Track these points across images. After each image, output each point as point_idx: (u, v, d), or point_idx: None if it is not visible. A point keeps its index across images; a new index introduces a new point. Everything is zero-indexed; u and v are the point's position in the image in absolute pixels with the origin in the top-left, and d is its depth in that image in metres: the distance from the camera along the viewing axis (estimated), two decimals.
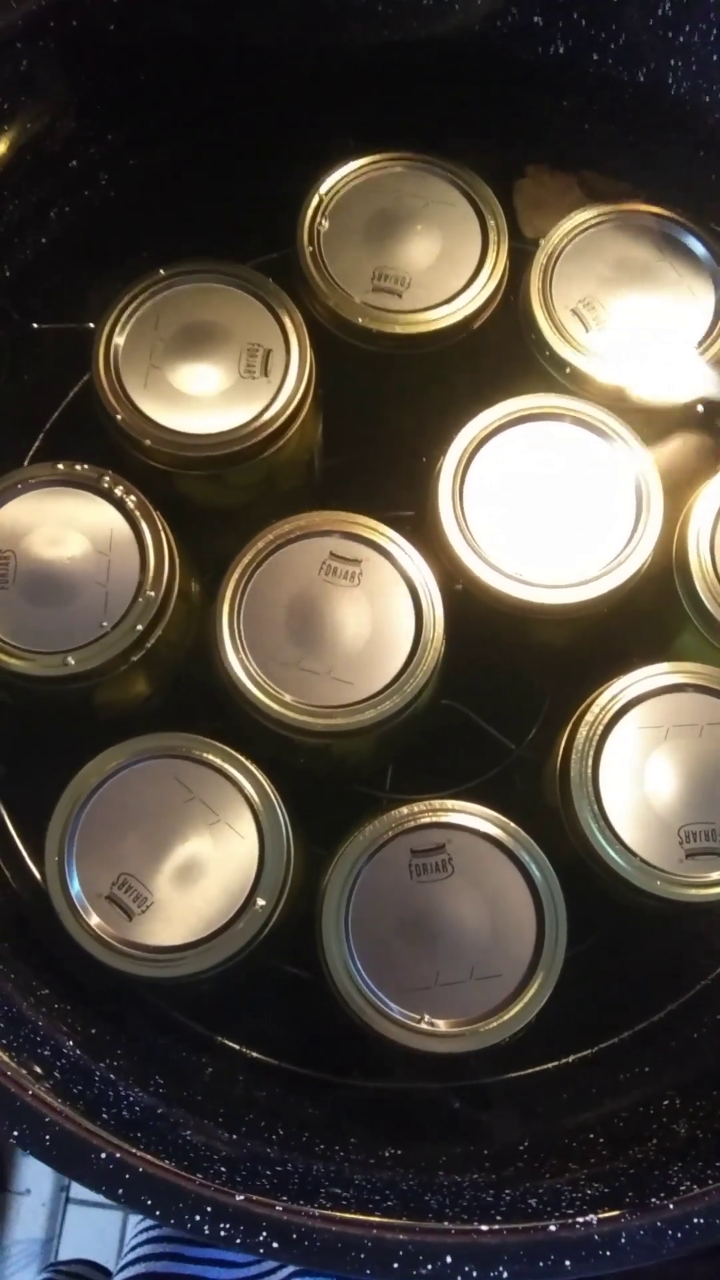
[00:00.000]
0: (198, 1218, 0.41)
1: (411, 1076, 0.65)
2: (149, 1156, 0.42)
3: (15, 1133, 0.42)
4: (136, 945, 0.59)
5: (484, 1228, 0.41)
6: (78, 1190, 1.51)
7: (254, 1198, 0.42)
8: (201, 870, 0.60)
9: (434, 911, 0.60)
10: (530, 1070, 0.66)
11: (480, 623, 0.65)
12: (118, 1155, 0.42)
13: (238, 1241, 0.41)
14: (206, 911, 0.60)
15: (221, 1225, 0.41)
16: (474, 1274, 0.40)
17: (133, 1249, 0.81)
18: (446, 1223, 0.42)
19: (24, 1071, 0.45)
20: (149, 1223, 0.82)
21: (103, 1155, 0.42)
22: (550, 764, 0.65)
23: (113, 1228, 1.46)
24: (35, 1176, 1.51)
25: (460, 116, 0.70)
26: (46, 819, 0.61)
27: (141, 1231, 0.82)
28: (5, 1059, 0.45)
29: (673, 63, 0.66)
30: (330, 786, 0.73)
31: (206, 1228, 0.41)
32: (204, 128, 0.71)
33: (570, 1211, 0.42)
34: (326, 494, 0.76)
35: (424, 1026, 0.58)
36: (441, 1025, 0.58)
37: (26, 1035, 0.51)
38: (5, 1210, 1.54)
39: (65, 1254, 1.49)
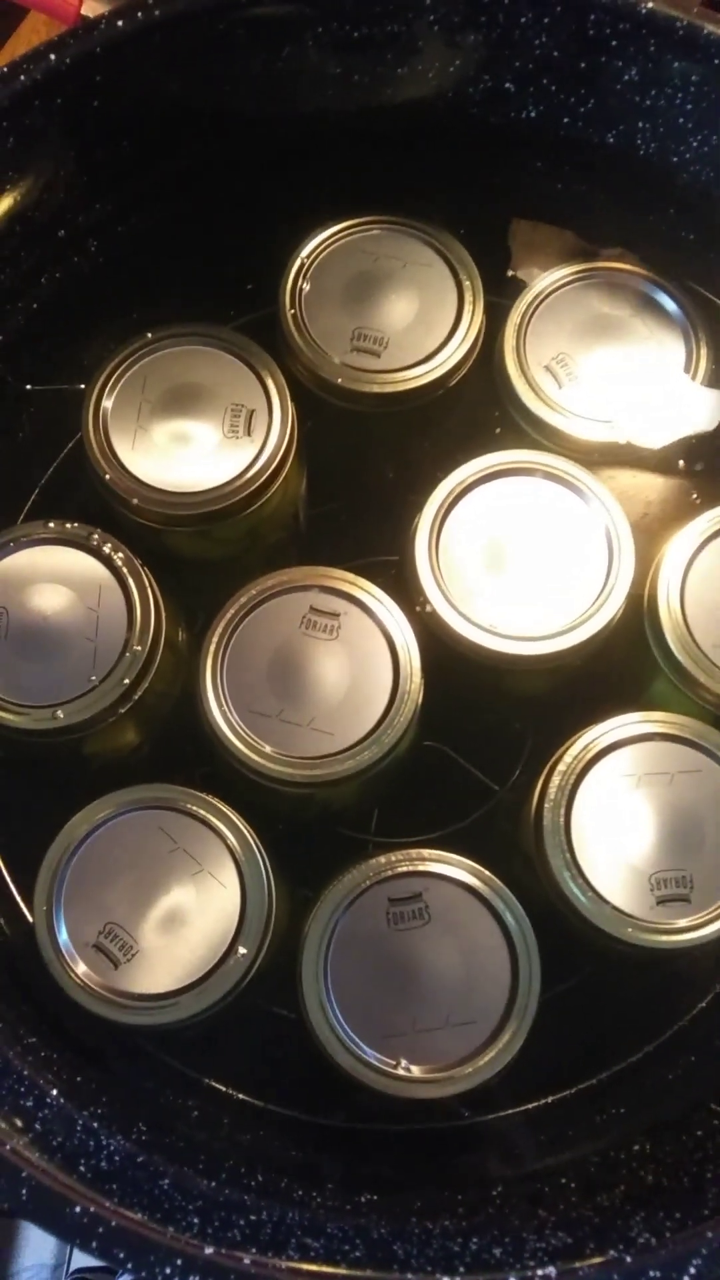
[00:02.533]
0: (168, 1270, 0.43)
1: (394, 1118, 0.67)
2: (122, 1210, 0.44)
3: None
4: (122, 993, 0.60)
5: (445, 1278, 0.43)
6: None
7: (223, 1251, 0.43)
8: (185, 919, 0.62)
9: (411, 959, 0.61)
10: (510, 1111, 0.67)
11: (458, 671, 0.67)
12: (91, 1209, 0.44)
13: None
14: (190, 959, 0.61)
15: (191, 1277, 0.43)
16: None
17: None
18: (410, 1274, 0.43)
19: (4, 1125, 0.46)
20: None
21: (77, 1209, 0.44)
22: (525, 811, 0.66)
23: None
24: None
25: (436, 179, 0.72)
26: (39, 866, 0.63)
27: None
28: None
29: (641, 125, 0.68)
30: (315, 831, 0.75)
31: (177, 1279, 0.43)
32: (187, 193, 0.73)
33: (531, 1263, 0.44)
34: (311, 543, 0.78)
35: (400, 1072, 0.59)
36: (417, 1071, 0.59)
37: (10, 1086, 0.52)
38: (13, 1236, 1.55)
39: None
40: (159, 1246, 0.43)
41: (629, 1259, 0.43)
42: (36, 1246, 1.56)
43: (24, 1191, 0.44)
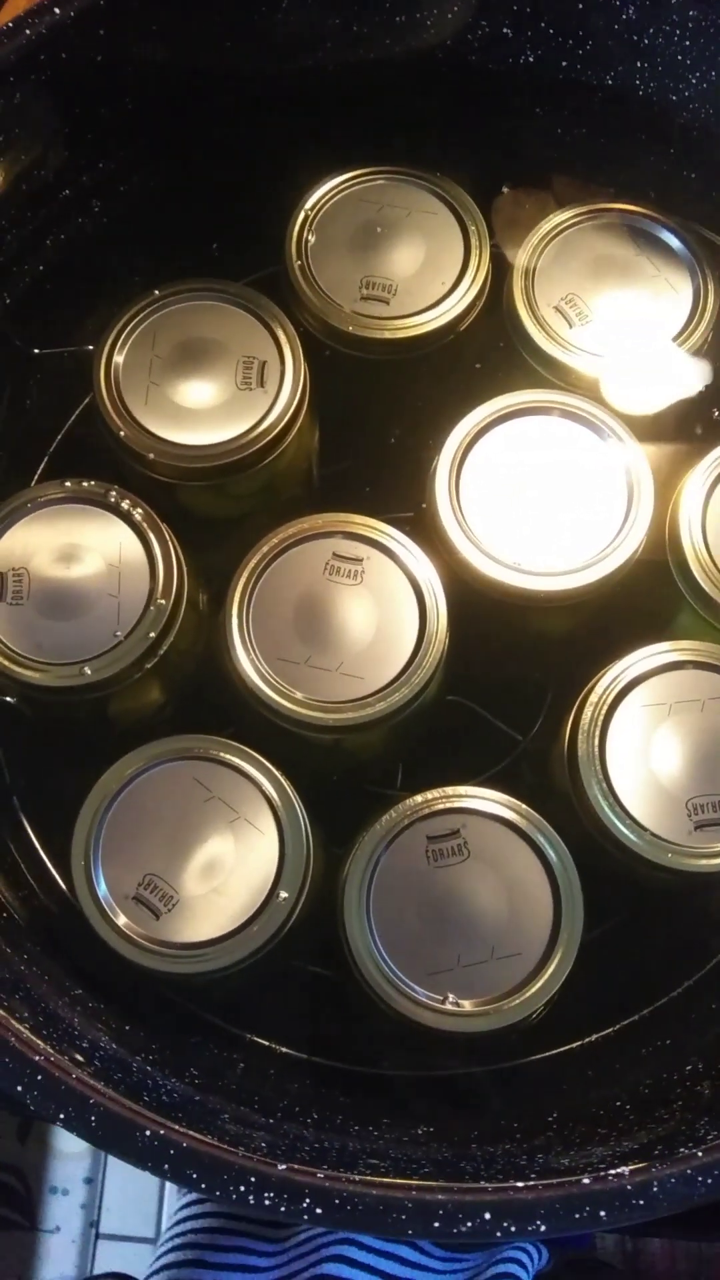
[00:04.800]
0: (242, 1188, 0.42)
1: (437, 1063, 0.66)
2: (192, 1133, 0.44)
3: (62, 1115, 0.44)
4: (165, 943, 0.60)
5: (519, 1184, 0.43)
6: (107, 1225, 1.51)
7: (295, 1167, 0.43)
8: (224, 867, 0.62)
9: (453, 895, 0.61)
10: (555, 1051, 0.67)
11: (481, 616, 0.67)
12: (162, 1132, 0.43)
13: (282, 1209, 0.42)
14: (231, 907, 0.61)
15: (266, 1194, 0.42)
16: (512, 1228, 0.42)
17: (158, 1258, 0.82)
18: (483, 1182, 0.43)
19: (65, 1059, 0.46)
20: (172, 1236, 0.83)
21: (147, 1133, 0.43)
22: (558, 748, 0.66)
23: (143, 1263, 1.47)
24: (65, 1214, 1.51)
25: (437, 128, 0.73)
26: (68, 828, 0.62)
27: (167, 1240, 0.83)
28: (47, 1048, 0.46)
29: (639, 65, 0.68)
30: (342, 786, 0.75)
31: (251, 1198, 0.42)
32: (190, 151, 0.73)
33: (603, 1166, 0.44)
34: (325, 500, 0.78)
35: (449, 1007, 0.59)
36: (466, 1005, 0.59)
37: (64, 1030, 0.52)
38: (35, 1248, 1.53)
39: None
40: (231, 1165, 0.43)
41: (700, 1154, 0.43)
42: (58, 1259, 1.55)
43: (93, 1119, 0.44)
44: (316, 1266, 0.75)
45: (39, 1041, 0.47)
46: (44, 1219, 1.52)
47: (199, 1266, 0.79)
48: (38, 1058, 0.45)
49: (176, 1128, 0.43)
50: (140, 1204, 1.51)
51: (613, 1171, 0.43)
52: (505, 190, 0.78)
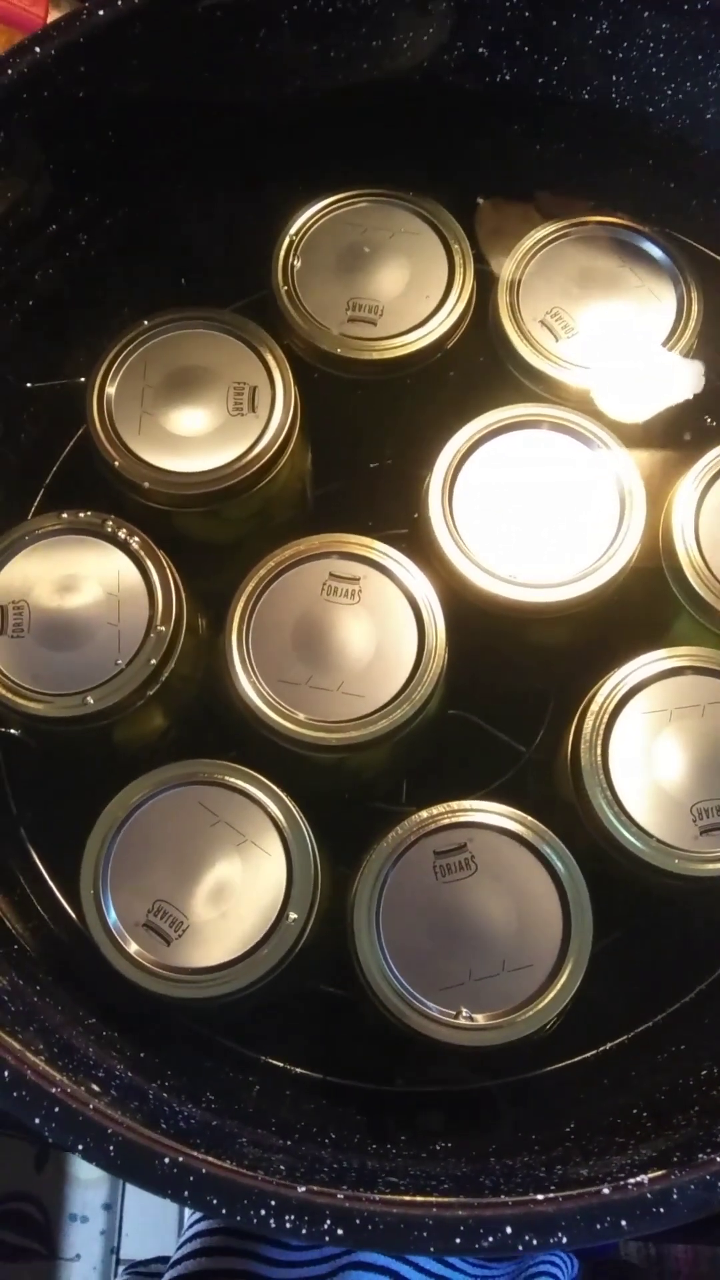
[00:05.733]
0: (263, 1212, 0.43)
1: (452, 1078, 0.66)
2: (211, 1159, 0.44)
3: (80, 1145, 0.44)
4: (177, 969, 0.60)
5: (540, 1197, 0.43)
6: (127, 1251, 1.51)
7: (315, 1189, 0.43)
8: (233, 891, 0.62)
9: (462, 909, 0.61)
10: (570, 1061, 0.67)
11: (480, 630, 0.68)
12: (180, 1159, 0.43)
13: (303, 1231, 0.42)
14: (241, 930, 0.61)
15: (287, 1217, 0.43)
16: (534, 1241, 0.42)
17: (174, 1264, 0.82)
18: (504, 1196, 0.43)
19: (82, 1089, 0.46)
20: (190, 1238, 0.83)
21: (166, 1160, 0.43)
22: (560, 758, 0.67)
23: None
24: (84, 1241, 1.51)
25: (416, 149, 0.73)
26: (76, 857, 0.63)
27: (184, 1245, 0.83)
28: (63, 1079, 0.46)
29: (614, 78, 0.69)
30: (347, 805, 0.75)
31: (272, 1221, 0.43)
32: (175, 182, 0.74)
33: (622, 1176, 0.44)
34: (320, 520, 0.78)
35: (463, 1021, 0.59)
36: (480, 1018, 0.59)
37: (79, 1060, 0.52)
38: (55, 1277, 1.53)
39: None
40: (251, 1190, 0.43)
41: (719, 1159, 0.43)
42: None
43: (111, 1148, 0.44)
44: (341, 1274, 0.75)
45: (55, 1073, 0.47)
46: (64, 1247, 1.52)
47: (214, 1274, 0.78)
48: (54, 1089, 0.45)
49: (195, 1154, 0.44)
50: (160, 1229, 1.51)
51: (632, 1180, 0.43)
52: (481, 201, 0.79)
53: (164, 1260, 0.94)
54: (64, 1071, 0.47)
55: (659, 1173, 0.43)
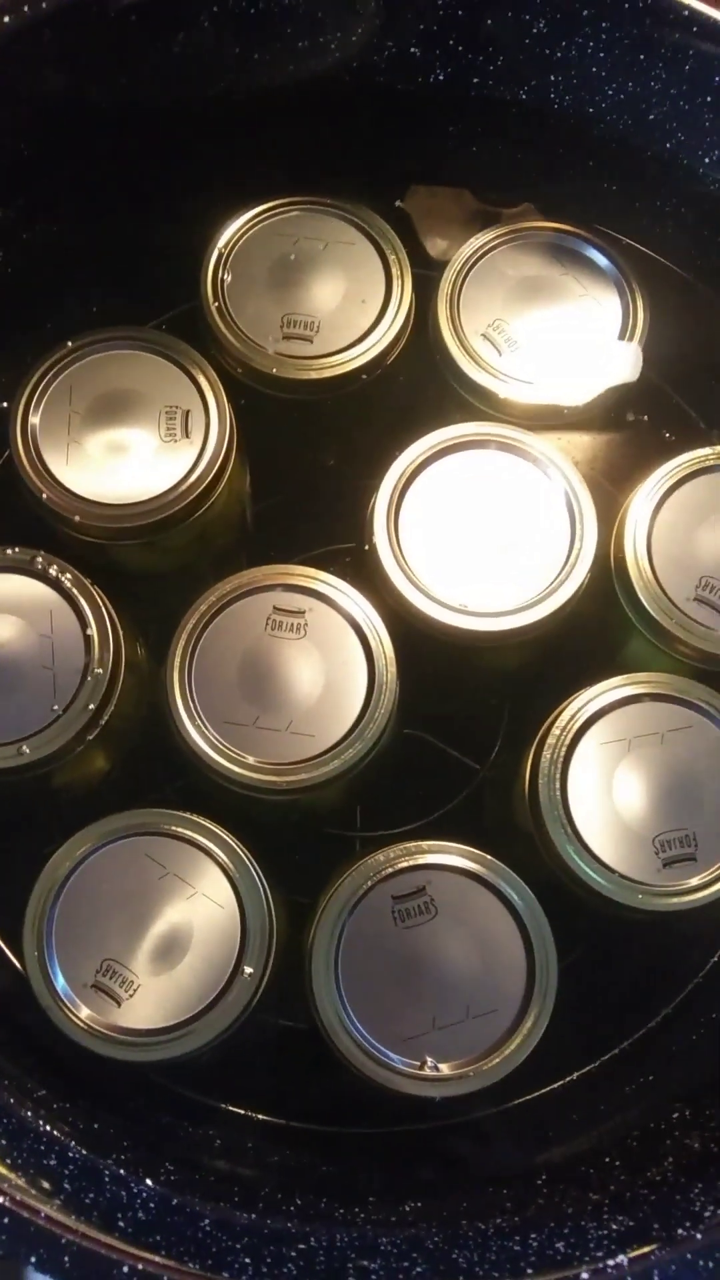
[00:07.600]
0: None
1: (420, 1118, 0.65)
2: (171, 1262, 0.42)
3: (33, 1258, 0.42)
4: (129, 1031, 0.58)
5: None
6: None
7: None
8: (185, 945, 0.59)
9: (423, 955, 0.59)
10: (536, 1094, 0.66)
11: (431, 654, 0.65)
12: (139, 1266, 0.41)
13: None
14: (195, 987, 0.59)
15: None
16: None
17: None
18: None
19: (33, 1190, 0.44)
20: None
21: (124, 1269, 0.41)
22: (519, 788, 0.65)
23: None
24: None
25: (350, 153, 0.70)
26: (21, 911, 0.60)
27: None
28: (14, 1179, 0.44)
29: (553, 78, 0.66)
30: (299, 833, 0.73)
31: None
32: (94, 191, 0.70)
33: (599, 1254, 0.42)
34: (261, 541, 0.76)
35: (428, 1072, 0.57)
36: (445, 1069, 0.58)
37: (30, 1146, 0.50)
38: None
39: None
40: None
41: (699, 1235, 0.42)
42: None
43: (66, 1259, 0.41)
44: None
45: (5, 1171, 0.44)
46: None
47: None
48: (3, 1199, 0.42)
49: (155, 1259, 0.41)
50: None
51: (612, 1262, 0.41)
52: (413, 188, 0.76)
53: None
54: (15, 1169, 0.45)
55: (639, 1251, 0.42)
